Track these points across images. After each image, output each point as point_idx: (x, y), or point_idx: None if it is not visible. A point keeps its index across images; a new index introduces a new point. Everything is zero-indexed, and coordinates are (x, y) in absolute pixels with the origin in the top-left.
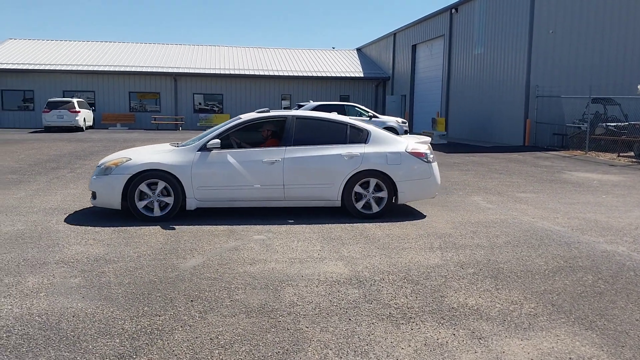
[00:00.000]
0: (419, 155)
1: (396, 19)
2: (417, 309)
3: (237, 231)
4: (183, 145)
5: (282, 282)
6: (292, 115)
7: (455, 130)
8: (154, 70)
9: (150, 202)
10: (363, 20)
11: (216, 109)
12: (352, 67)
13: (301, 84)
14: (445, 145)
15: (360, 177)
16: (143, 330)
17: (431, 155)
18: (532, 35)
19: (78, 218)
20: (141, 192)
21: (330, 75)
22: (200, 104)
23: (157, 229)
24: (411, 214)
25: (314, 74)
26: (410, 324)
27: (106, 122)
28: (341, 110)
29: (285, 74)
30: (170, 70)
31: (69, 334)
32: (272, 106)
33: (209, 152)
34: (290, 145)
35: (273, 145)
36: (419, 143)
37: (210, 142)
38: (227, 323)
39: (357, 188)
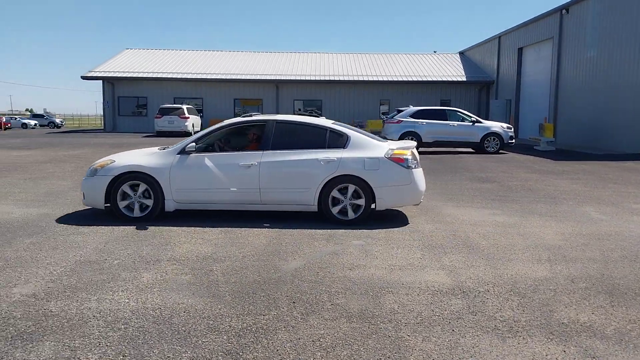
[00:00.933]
0: (398, 161)
1: (501, 21)
2: (524, 323)
3: (336, 235)
4: (167, 149)
5: (382, 289)
6: (272, 120)
7: (564, 137)
8: (258, 77)
9: (132, 202)
10: (466, 24)
11: (315, 114)
12: (454, 71)
13: (400, 89)
14: (553, 152)
15: (337, 182)
16: (248, 328)
17: (414, 161)
18: None
19: (187, 219)
20: (124, 192)
21: (430, 79)
22: (300, 109)
23: (260, 231)
24: (515, 224)
25: (414, 79)
26: (517, 337)
27: None
28: (443, 115)
29: (384, 78)
30: (272, 77)
31: (180, 329)
32: (371, 112)
33: (188, 155)
34: (268, 150)
35: (254, 149)
36: (401, 148)
37: (188, 146)
38: (328, 326)
39: (335, 193)
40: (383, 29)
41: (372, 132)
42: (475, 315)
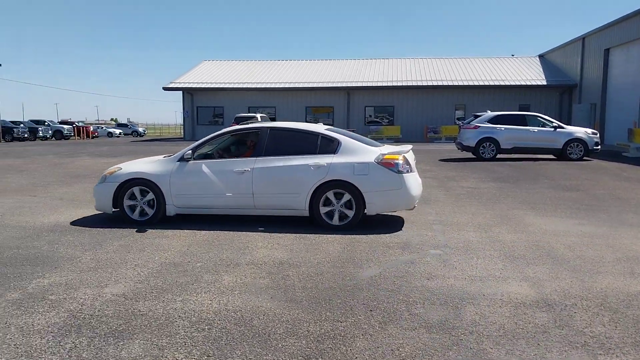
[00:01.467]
0: (388, 166)
1: (584, 23)
2: (616, 340)
3: (412, 244)
4: (169, 156)
5: (462, 300)
6: (266, 127)
7: None
8: (329, 85)
9: (137, 206)
10: (546, 26)
11: (386, 121)
12: (533, 75)
13: (476, 94)
14: None
15: (328, 187)
16: (326, 334)
17: (406, 166)
18: None
19: (264, 224)
20: (130, 197)
21: (508, 83)
22: (370, 116)
23: (334, 237)
24: (603, 235)
25: (491, 83)
26: (609, 355)
27: None
28: (523, 120)
29: (459, 83)
30: (343, 84)
31: (260, 331)
32: (445, 117)
33: (187, 162)
34: (261, 156)
35: (249, 156)
36: (392, 153)
37: (186, 153)
38: (407, 336)
39: (325, 198)
40: (457, 33)
41: (446, 139)
42: (562, 329)
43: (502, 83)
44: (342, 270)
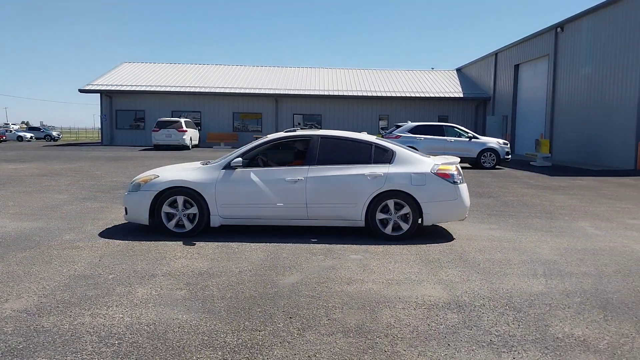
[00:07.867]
0: (444, 176)
1: (498, 39)
2: (519, 338)
3: (334, 250)
4: (210, 164)
5: (378, 303)
6: (317, 135)
7: (560, 153)
8: (257, 91)
9: (178, 218)
10: (463, 41)
11: (314, 128)
12: (451, 87)
13: (399, 105)
14: (549, 168)
15: (384, 197)
16: (244, 344)
17: (459, 177)
18: None
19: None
20: (168, 208)
21: (428, 95)
22: (299, 123)
23: (257, 245)
24: (511, 239)
25: (412, 95)
26: (512, 352)
27: (210, 141)
28: (440, 130)
29: (383, 94)
30: (271, 91)
31: (174, 345)
32: (370, 127)
33: (233, 171)
34: (313, 165)
35: (299, 165)
36: (446, 164)
37: (234, 161)
38: (324, 342)
39: (381, 209)
40: (382, 44)
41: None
42: (471, 329)
43: (422, 95)
44: (264, 278)
